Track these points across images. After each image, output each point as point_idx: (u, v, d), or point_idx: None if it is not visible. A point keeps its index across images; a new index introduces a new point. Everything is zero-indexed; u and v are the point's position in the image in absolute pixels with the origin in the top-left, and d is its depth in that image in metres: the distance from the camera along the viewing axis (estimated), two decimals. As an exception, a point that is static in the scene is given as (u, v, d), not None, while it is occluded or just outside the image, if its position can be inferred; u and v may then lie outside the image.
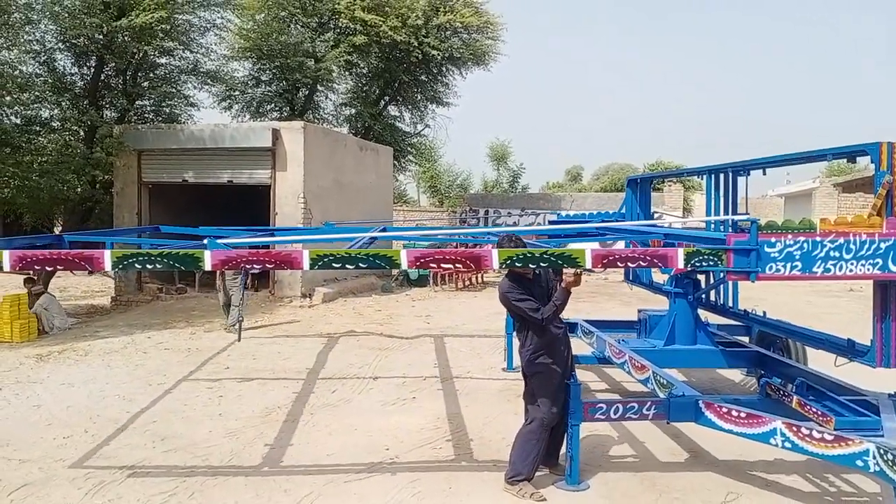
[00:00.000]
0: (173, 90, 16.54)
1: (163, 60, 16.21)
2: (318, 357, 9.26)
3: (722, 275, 6.33)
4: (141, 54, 14.85)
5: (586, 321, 8.03)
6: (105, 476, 5.08)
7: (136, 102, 16.13)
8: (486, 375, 8.24)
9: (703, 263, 4.41)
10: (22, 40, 12.75)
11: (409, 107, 24.14)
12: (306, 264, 4.11)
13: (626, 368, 6.43)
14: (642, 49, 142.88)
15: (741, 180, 6.69)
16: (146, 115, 16.81)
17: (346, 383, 7.87)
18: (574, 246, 5.35)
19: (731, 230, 6.22)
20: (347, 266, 4.17)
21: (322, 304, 14.42)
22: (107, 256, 4.00)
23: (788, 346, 7.09)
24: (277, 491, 4.86)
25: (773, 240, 4.39)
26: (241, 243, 5.00)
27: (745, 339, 7.54)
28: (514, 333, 5.12)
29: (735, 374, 8.14)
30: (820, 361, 6.50)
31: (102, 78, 15.14)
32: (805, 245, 4.39)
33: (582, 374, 7.53)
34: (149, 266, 4.09)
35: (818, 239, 4.39)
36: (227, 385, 7.78)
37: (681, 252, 4.34)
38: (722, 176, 6.85)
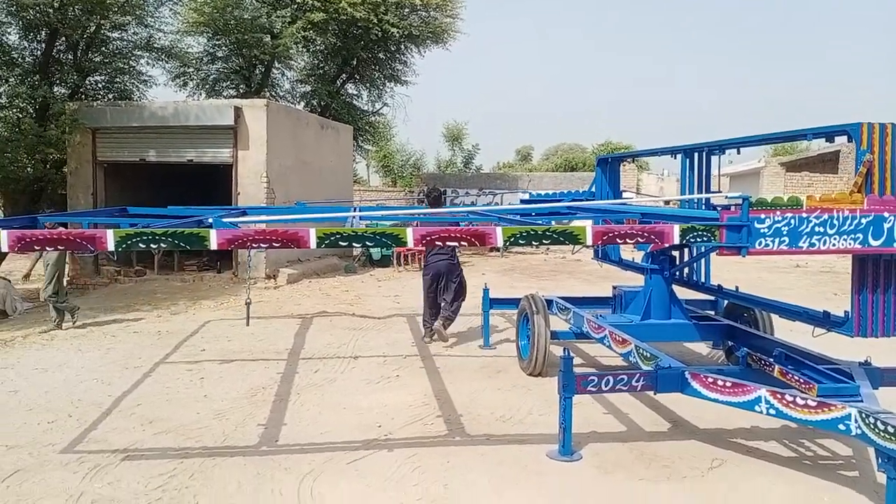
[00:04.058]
0: (126, 66, 16.05)
1: (115, 35, 15.70)
2: (295, 338, 9.22)
3: (703, 249, 6.57)
4: (93, 28, 14.34)
5: (562, 298, 8.19)
6: (99, 460, 4.99)
7: (88, 78, 15.59)
8: (465, 353, 8.35)
9: (698, 239, 4.57)
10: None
11: (367, 85, 23.88)
12: (313, 242, 4.11)
13: (606, 343, 6.58)
14: (586, 29, 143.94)
15: (714, 159, 6.89)
16: (98, 92, 16.28)
17: (328, 363, 7.87)
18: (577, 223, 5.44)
19: (704, 208, 6.41)
20: (354, 244, 4.20)
21: (287, 286, 14.31)
22: (110, 236, 3.92)
23: (756, 318, 7.37)
24: (278, 469, 4.86)
25: (762, 216, 4.56)
26: (245, 221, 4.93)
27: (712, 313, 7.83)
28: None
29: (702, 347, 8.42)
30: (783, 333, 6.81)
31: (53, 53, 14.57)
32: (792, 221, 4.57)
33: (557, 350, 7.71)
34: (153, 246, 4.03)
35: (804, 215, 4.58)
36: (206, 367, 7.70)
37: (677, 228, 4.49)
38: (696, 155, 7.03)
